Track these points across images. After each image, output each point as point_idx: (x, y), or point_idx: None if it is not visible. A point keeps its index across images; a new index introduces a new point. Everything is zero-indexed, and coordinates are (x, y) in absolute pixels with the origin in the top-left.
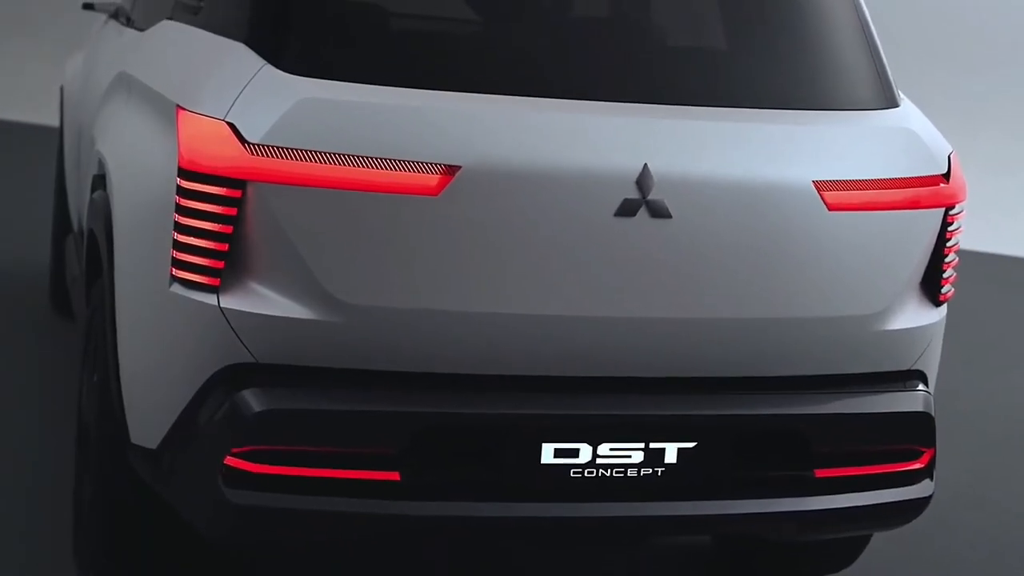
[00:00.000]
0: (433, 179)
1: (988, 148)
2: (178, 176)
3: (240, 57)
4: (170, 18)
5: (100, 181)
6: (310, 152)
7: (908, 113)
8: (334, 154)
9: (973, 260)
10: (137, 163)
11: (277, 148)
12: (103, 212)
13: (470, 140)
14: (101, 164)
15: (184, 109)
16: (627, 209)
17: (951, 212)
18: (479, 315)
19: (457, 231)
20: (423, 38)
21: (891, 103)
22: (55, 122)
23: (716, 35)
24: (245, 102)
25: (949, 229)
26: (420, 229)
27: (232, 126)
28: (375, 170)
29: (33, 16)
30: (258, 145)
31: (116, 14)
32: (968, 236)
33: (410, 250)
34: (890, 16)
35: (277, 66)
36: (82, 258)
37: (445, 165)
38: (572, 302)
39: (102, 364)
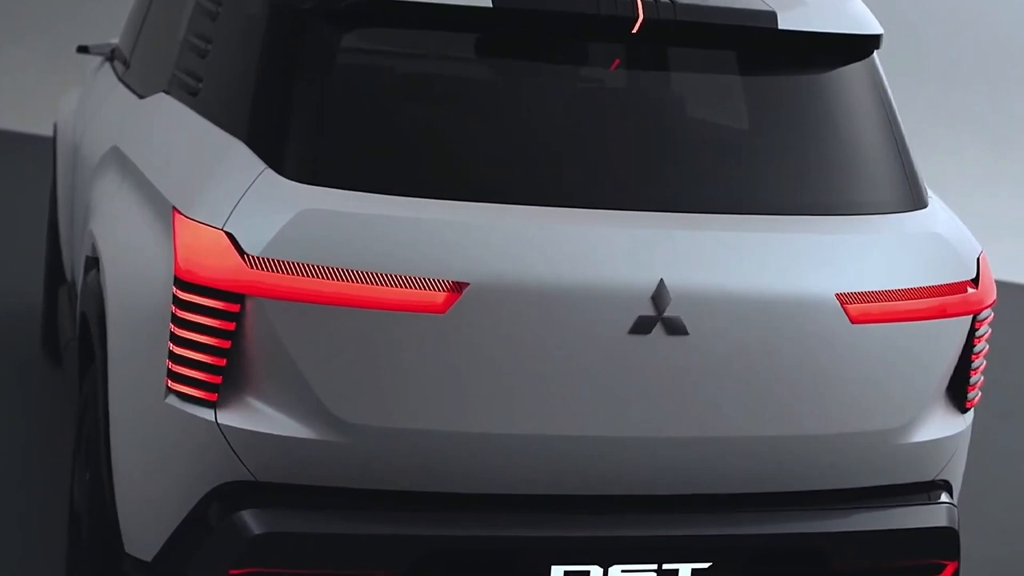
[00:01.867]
0: (440, 296)
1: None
2: (174, 285)
3: (239, 158)
4: (167, 91)
5: (94, 264)
6: (311, 266)
7: (936, 214)
8: (337, 269)
9: None
10: (132, 261)
11: (277, 262)
12: (96, 300)
13: (478, 255)
14: (94, 247)
15: (181, 214)
16: (642, 327)
17: (979, 318)
18: (487, 436)
19: (464, 350)
20: (430, 145)
21: (919, 204)
22: (49, 132)
23: (733, 139)
24: (244, 210)
25: (977, 335)
26: (426, 347)
27: (231, 236)
28: (380, 287)
29: (27, 22)
30: (257, 258)
31: (113, 56)
32: None
33: (415, 369)
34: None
35: (278, 171)
36: (75, 350)
37: (452, 282)
38: (583, 422)
39: (94, 462)
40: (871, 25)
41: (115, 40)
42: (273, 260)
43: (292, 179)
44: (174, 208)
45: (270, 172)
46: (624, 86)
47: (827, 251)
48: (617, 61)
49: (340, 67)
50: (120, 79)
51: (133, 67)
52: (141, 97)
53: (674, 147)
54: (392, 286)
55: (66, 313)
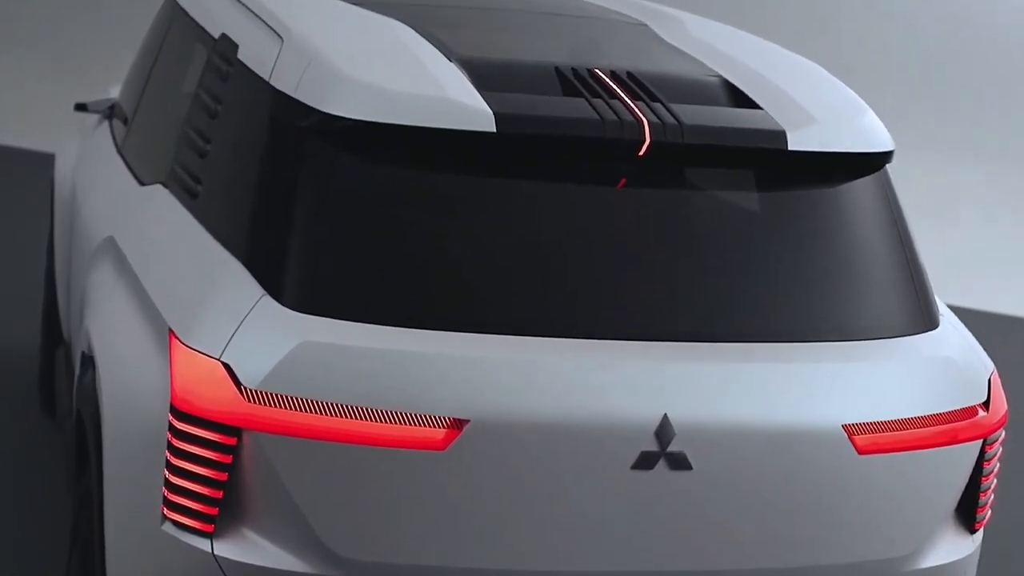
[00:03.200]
0: (440, 433)
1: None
2: (171, 413)
3: (237, 282)
4: (165, 184)
5: (89, 364)
6: (309, 401)
7: (946, 336)
8: (335, 404)
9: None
10: (128, 379)
11: (275, 395)
12: (92, 406)
13: (478, 391)
14: (91, 346)
15: (178, 339)
16: (645, 462)
17: (989, 441)
18: (487, 572)
19: (464, 486)
20: (431, 274)
21: (929, 325)
22: (50, 148)
23: (739, 264)
24: (242, 339)
25: (986, 458)
26: (425, 484)
27: (228, 367)
28: (379, 423)
29: (28, 30)
30: (255, 391)
31: (112, 114)
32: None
33: (414, 505)
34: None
35: (276, 298)
36: (71, 447)
37: (452, 419)
38: (584, 558)
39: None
40: (883, 141)
41: (112, 87)
42: (271, 394)
43: (290, 308)
44: (171, 331)
45: (268, 299)
46: (628, 211)
47: (834, 380)
48: (623, 182)
49: (340, 191)
50: (119, 149)
51: (132, 135)
52: (139, 182)
53: (678, 274)
54: (392, 423)
55: (63, 375)
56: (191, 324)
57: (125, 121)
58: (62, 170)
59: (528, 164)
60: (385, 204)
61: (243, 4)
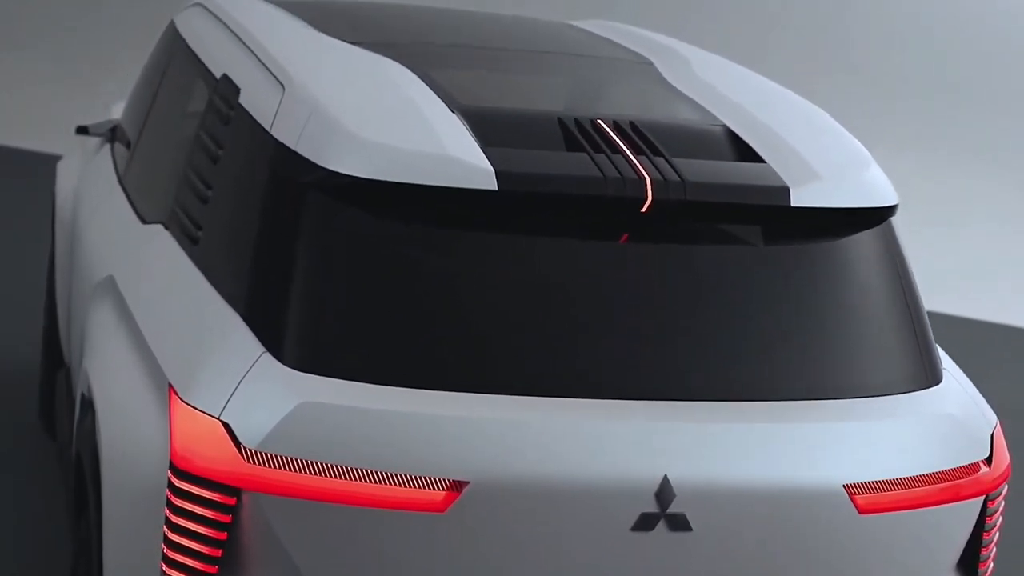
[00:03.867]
0: (439, 495)
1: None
2: (170, 471)
3: (237, 338)
4: (166, 226)
5: (88, 408)
6: (309, 462)
7: (949, 391)
8: (335, 466)
9: None
10: (127, 430)
11: (274, 456)
12: (91, 452)
13: (478, 452)
14: (90, 389)
15: (178, 396)
16: (645, 524)
17: (991, 497)
18: None
19: (463, 548)
20: (431, 336)
21: (932, 380)
22: (51, 149)
23: (740, 321)
24: (241, 398)
25: (988, 513)
26: (424, 545)
27: (227, 427)
28: (378, 485)
29: (26, 29)
30: (254, 451)
31: (114, 136)
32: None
33: (414, 567)
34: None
35: (276, 356)
36: (70, 480)
37: (452, 480)
38: None
39: None
40: (886, 195)
41: (115, 105)
42: (270, 455)
43: (290, 366)
44: (171, 386)
45: (268, 357)
46: (628, 269)
47: (835, 440)
48: (625, 237)
49: (340, 248)
50: (120, 179)
51: (133, 166)
52: (141, 219)
53: (679, 333)
54: (391, 484)
55: (63, 398)
56: (191, 381)
57: (128, 145)
58: (63, 188)
59: (530, 221)
60: (386, 262)
61: (243, 43)
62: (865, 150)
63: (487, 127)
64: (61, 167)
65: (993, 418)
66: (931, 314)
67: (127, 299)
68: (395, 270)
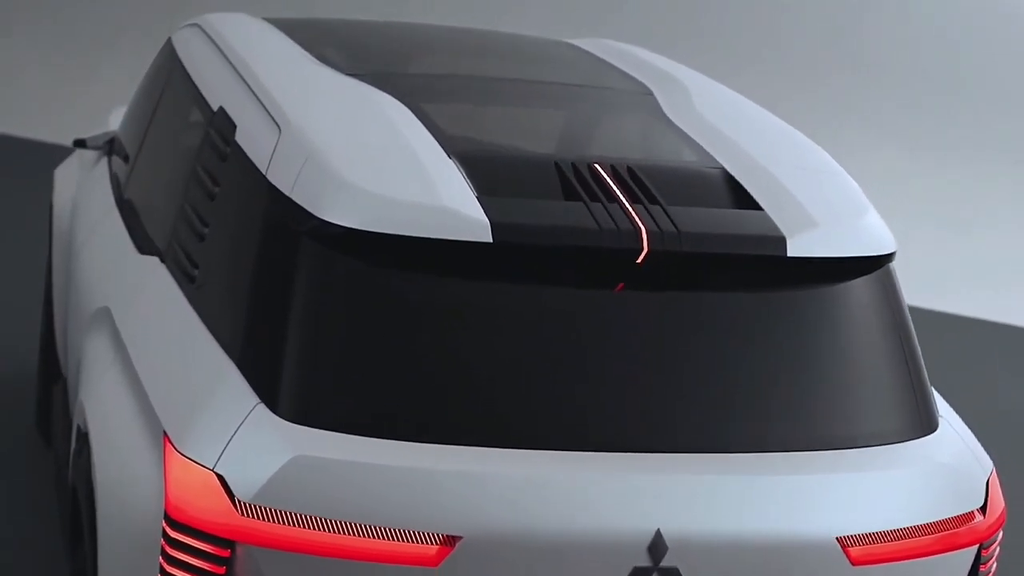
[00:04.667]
0: (432, 550)
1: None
2: (164, 520)
3: (232, 388)
4: (163, 260)
5: (84, 443)
6: (303, 516)
7: (944, 439)
8: (329, 520)
9: None
10: (122, 473)
11: (268, 509)
12: (87, 486)
13: (471, 506)
14: (85, 424)
15: (173, 446)
16: None
17: (986, 545)
18: None
19: None
20: (426, 388)
21: (928, 428)
22: (53, 138)
23: (735, 373)
24: (236, 450)
25: (982, 561)
26: None
27: (222, 479)
28: (372, 539)
29: (27, 17)
30: (248, 504)
31: (112, 150)
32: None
33: None
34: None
35: (270, 407)
36: (66, 506)
37: (445, 535)
38: None
39: None
40: (884, 243)
41: (113, 113)
42: (264, 508)
43: (284, 418)
44: (165, 434)
45: (262, 408)
46: (623, 321)
47: (828, 492)
48: (620, 287)
49: (335, 299)
50: (117, 200)
51: (130, 189)
52: (138, 248)
53: (672, 385)
54: (385, 539)
55: (59, 411)
56: (185, 430)
57: (125, 160)
58: (61, 198)
59: (525, 272)
60: (381, 314)
61: (240, 75)
62: (863, 195)
63: (483, 174)
64: (59, 174)
65: (989, 464)
66: (945, 315)
67: (123, 335)
68: (390, 322)
